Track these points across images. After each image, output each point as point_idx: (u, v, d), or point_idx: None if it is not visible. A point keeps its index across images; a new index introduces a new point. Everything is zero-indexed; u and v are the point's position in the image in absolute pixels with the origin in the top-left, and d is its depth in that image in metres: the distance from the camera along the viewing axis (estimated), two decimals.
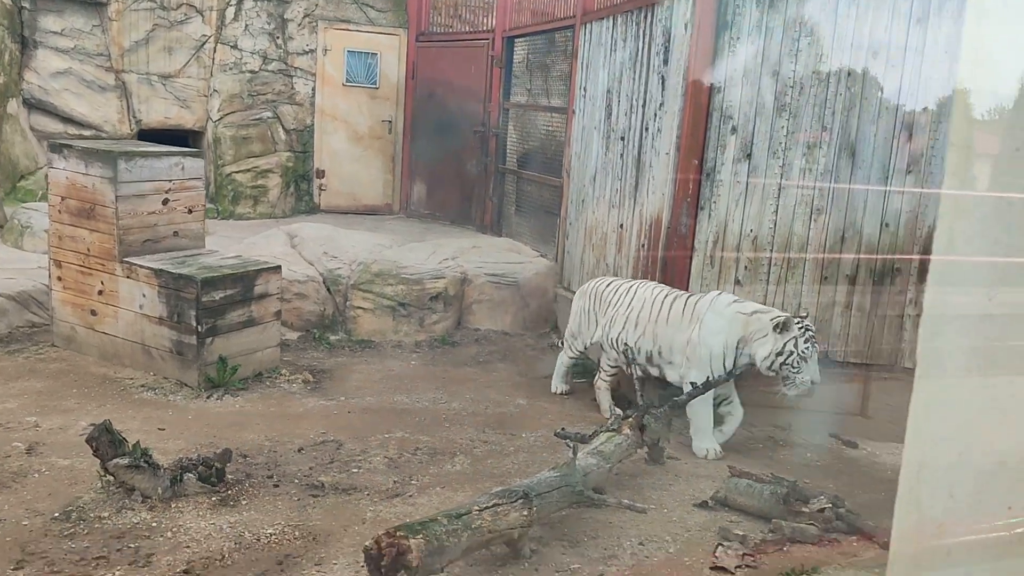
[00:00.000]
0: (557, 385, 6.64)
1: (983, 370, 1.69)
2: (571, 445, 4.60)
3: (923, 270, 5.89)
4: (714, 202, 5.88)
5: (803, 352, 5.05)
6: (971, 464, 1.63)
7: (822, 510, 4.44)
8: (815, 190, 5.79)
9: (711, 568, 4.03)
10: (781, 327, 5.08)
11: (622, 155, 6.77)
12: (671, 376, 5.58)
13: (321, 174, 10.46)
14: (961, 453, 1.66)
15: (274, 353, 6.59)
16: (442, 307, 7.81)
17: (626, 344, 5.78)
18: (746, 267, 5.91)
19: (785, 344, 5.07)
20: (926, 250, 5.86)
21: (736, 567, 4.02)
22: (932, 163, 5.74)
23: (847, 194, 5.78)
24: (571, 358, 6.52)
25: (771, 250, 5.85)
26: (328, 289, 7.68)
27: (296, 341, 7.35)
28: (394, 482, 4.84)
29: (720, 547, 4.18)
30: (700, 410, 5.38)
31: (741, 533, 4.28)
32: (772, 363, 5.13)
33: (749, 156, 5.80)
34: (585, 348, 6.36)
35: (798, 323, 5.06)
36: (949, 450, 1.63)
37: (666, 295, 5.67)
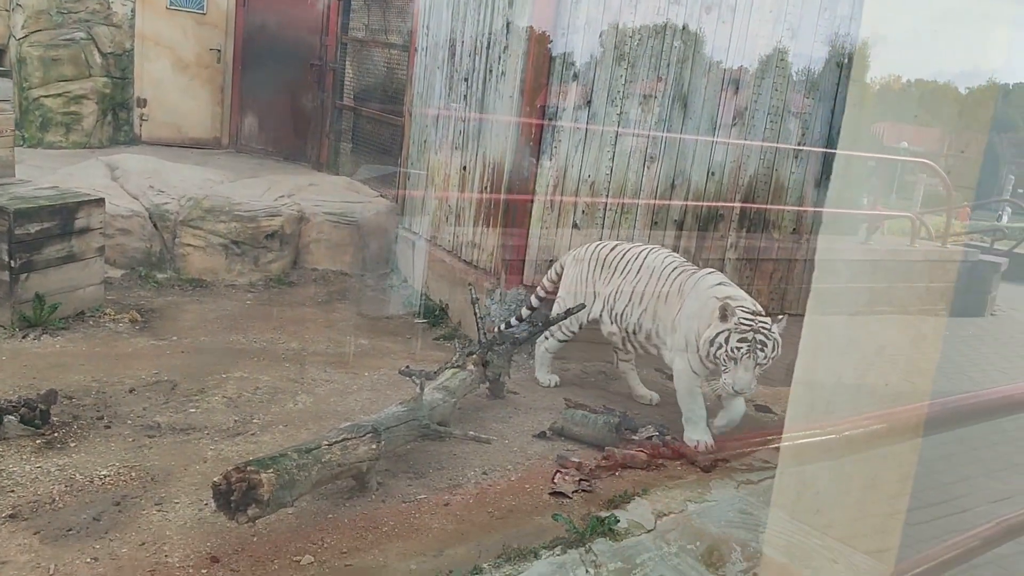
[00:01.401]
0: (545, 377, 5.78)
1: (859, 308, 1.94)
2: (417, 381, 4.68)
3: (743, 217, 6.35)
4: (555, 147, 6.04)
5: (732, 350, 4.51)
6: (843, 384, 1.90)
7: (650, 437, 4.79)
8: (649, 139, 6.08)
9: (550, 493, 4.27)
10: (721, 314, 4.59)
11: (465, 97, 6.80)
12: (666, 358, 5.15)
13: (142, 103, 9.81)
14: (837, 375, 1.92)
15: (97, 291, 6.22)
16: (278, 246, 7.61)
17: (628, 321, 5.31)
18: (583, 211, 6.15)
19: (718, 334, 4.59)
20: (746, 198, 6.32)
21: (573, 491, 4.28)
22: (755, 117, 6.16)
23: (678, 144, 6.11)
24: (562, 341, 5.71)
25: (607, 195, 6.11)
26: (155, 225, 7.30)
27: (120, 279, 6.97)
28: (235, 421, 4.75)
29: (558, 473, 4.42)
30: (689, 401, 4.91)
31: (577, 460, 4.55)
32: (706, 350, 4.66)
33: (589, 103, 5.99)
34: (581, 327, 5.61)
35: (741, 318, 4.52)
36: (828, 373, 1.88)
37: (674, 268, 5.16)
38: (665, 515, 4.00)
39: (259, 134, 10.25)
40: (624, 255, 5.38)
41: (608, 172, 6.08)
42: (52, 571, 3.29)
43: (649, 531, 3.85)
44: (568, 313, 5.68)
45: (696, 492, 4.27)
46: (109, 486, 3.93)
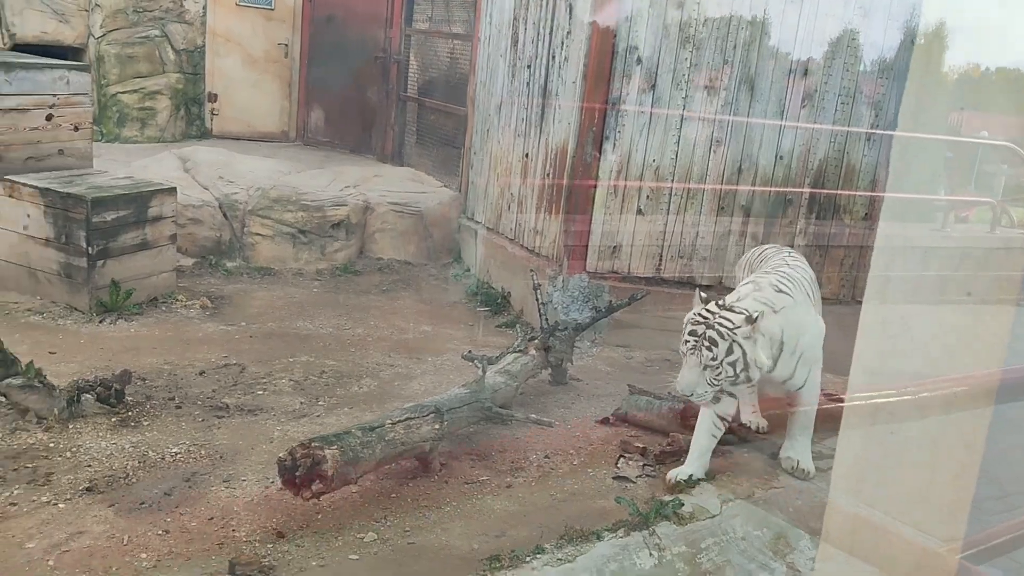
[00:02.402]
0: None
1: (919, 297, 1.89)
2: (479, 365, 4.68)
3: (812, 202, 6.19)
4: (619, 132, 5.98)
5: (682, 345, 3.88)
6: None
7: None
8: (715, 123, 5.97)
9: (613, 478, 4.23)
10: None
11: (528, 84, 6.78)
12: None
13: (213, 98, 10.04)
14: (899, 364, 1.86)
15: (170, 278, 6.39)
16: (344, 235, 7.71)
17: None
18: (648, 197, 6.07)
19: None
20: (816, 183, 6.16)
21: (637, 476, 4.23)
22: (825, 99, 6.00)
23: (745, 127, 5.99)
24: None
25: (672, 180, 6.02)
26: (224, 215, 7.46)
27: (192, 267, 7.14)
28: (300, 403, 4.83)
29: (621, 458, 4.38)
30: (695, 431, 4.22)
31: (641, 446, 4.49)
32: None
33: (654, 87, 5.91)
34: None
35: (698, 311, 3.87)
36: (889, 362, 1.82)
37: (767, 266, 4.47)
38: (731, 501, 3.92)
39: (325, 127, 10.39)
40: (758, 257, 4.77)
41: (673, 157, 5.99)
42: (126, 542, 3.39)
43: (714, 516, 3.78)
44: (631, 300, 5.63)
45: (763, 479, 4.18)
46: (180, 463, 4.03)
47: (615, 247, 6.14)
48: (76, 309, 5.81)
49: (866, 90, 6.12)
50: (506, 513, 3.85)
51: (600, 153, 6.01)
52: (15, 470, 3.81)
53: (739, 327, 3.74)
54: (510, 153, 7.10)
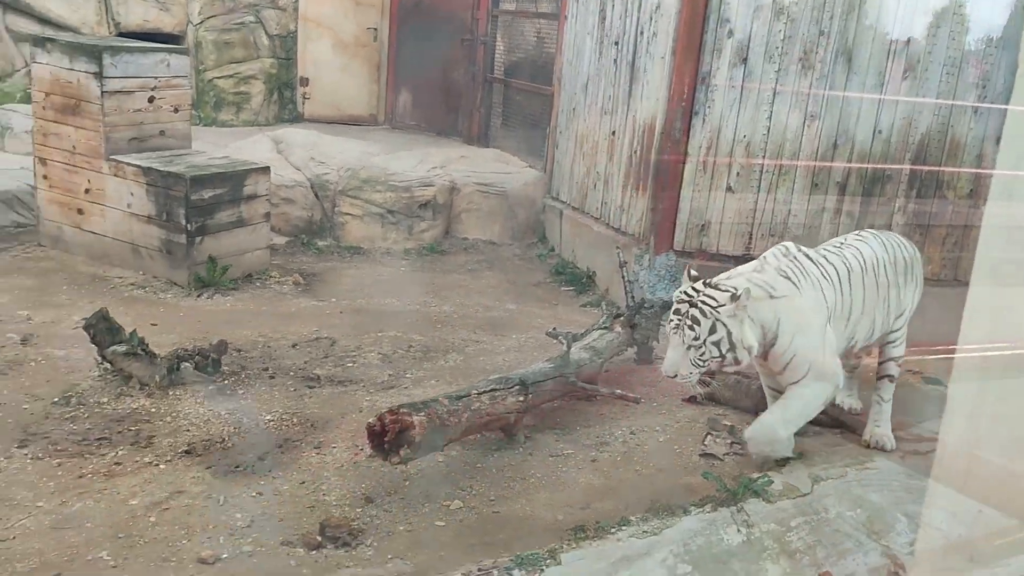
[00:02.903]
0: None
1: None
2: (563, 341, 4.67)
3: (913, 178, 5.94)
4: (708, 107, 5.85)
5: (667, 324, 3.82)
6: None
7: None
8: (810, 96, 5.78)
9: (700, 455, 4.16)
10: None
11: (616, 61, 6.70)
12: None
13: (305, 82, 10.26)
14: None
15: (264, 255, 6.57)
16: (431, 215, 7.79)
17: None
18: (738, 173, 5.93)
19: None
20: (917, 159, 5.90)
21: (724, 454, 4.15)
22: (928, 70, 5.73)
23: (841, 101, 5.78)
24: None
25: (764, 156, 5.87)
26: (316, 195, 7.63)
27: (284, 246, 7.32)
28: (388, 375, 4.91)
29: (709, 436, 4.31)
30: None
31: (729, 424, 4.41)
32: None
33: (745, 60, 5.76)
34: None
35: (684, 289, 3.76)
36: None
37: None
38: (823, 480, 3.81)
39: (413, 110, 10.50)
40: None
41: (765, 132, 5.83)
42: (222, 502, 3.51)
43: (805, 495, 3.68)
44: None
45: (857, 460, 4.05)
46: (273, 430, 4.15)
47: (703, 225, 6.03)
48: (176, 284, 6.04)
49: (973, 60, 5.82)
50: (590, 486, 3.83)
51: (689, 129, 5.90)
52: (120, 432, 3.99)
53: (723, 304, 3.60)
54: (596, 131, 7.04)
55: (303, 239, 7.48)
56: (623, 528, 3.29)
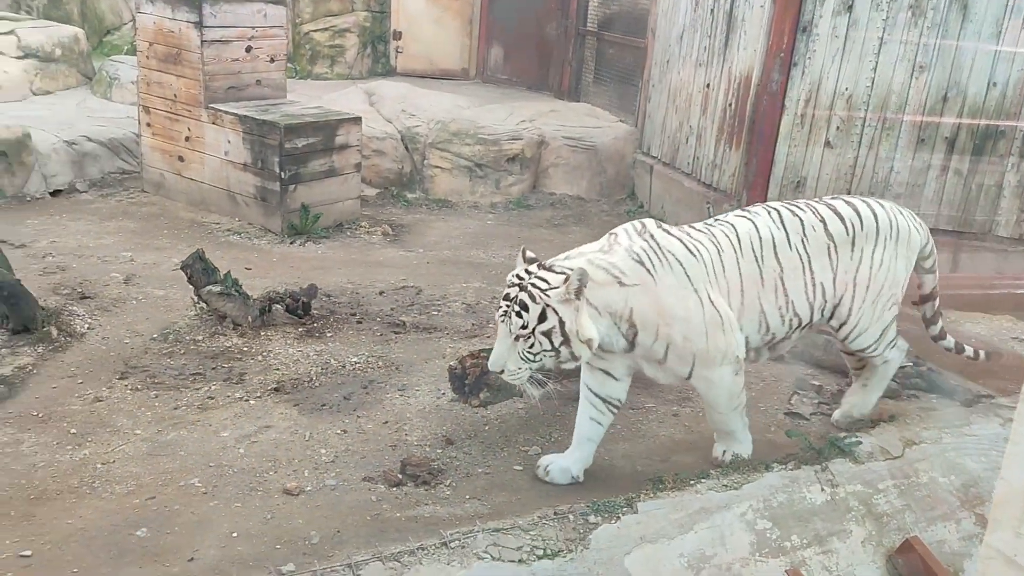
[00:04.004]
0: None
1: None
2: None
3: None
4: (809, 58, 5.62)
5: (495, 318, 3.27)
6: None
7: (903, 367, 4.39)
8: (919, 46, 5.48)
9: (785, 414, 4.07)
10: None
11: (712, 11, 6.48)
12: None
13: (398, 35, 10.31)
14: None
15: (354, 205, 6.68)
16: (518, 169, 7.76)
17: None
18: (838, 127, 5.69)
19: None
20: None
21: (811, 413, 4.04)
22: None
23: (954, 51, 5.46)
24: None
25: (866, 110, 5.61)
26: (406, 147, 7.68)
27: (374, 197, 7.42)
28: (472, 324, 4.94)
29: (796, 395, 4.20)
30: None
31: (817, 384, 4.29)
32: None
33: (850, 8, 5.49)
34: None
35: (518, 271, 3.24)
36: None
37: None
38: (915, 444, 3.67)
39: (504, 64, 10.44)
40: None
41: (869, 84, 5.57)
42: (308, 437, 3.61)
43: (896, 458, 3.56)
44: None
45: (953, 425, 3.88)
46: (358, 371, 4.23)
47: (799, 181, 5.82)
48: (269, 230, 6.20)
49: None
50: (671, 440, 3.79)
51: (787, 81, 5.69)
52: (213, 368, 4.14)
53: (554, 288, 3.05)
54: (690, 84, 6.85)
55: (393, 191, 7.56)
56: (702, 481, 3.24)
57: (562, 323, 3.05)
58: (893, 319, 3.70)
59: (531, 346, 3.09)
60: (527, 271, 3.16)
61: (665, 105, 7.34)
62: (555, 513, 3.00)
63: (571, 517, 2.99)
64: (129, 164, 7.17)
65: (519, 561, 2.78)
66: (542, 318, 3.06)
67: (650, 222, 3.38)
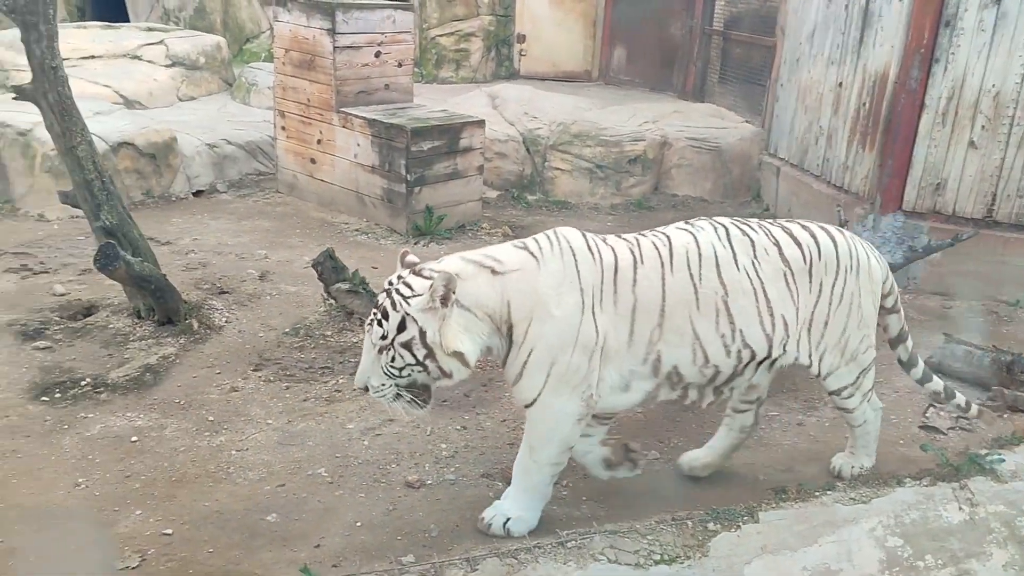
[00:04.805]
0: None
1: None
2: None
3: None
4: (952, 53, 5.33)
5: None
6: None
7: None
8: None
9: (920, 427, 3.88)
10: None
11: (847, 6, 6.24)
12: None
13: (522, 39, 10.40)
14: None
15: (476, 207, 6.78)
16: (640, 170, 7.69)
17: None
18: (983, 127, 5.37)
19: None
20: None
21: (949, 428, 3.84)
22: None
23: None
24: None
25: (1015, 108, 5.27)
26: (527, 149, 7.74)
27: (495, 199, 7.51)
28: None
29: (931, 408, 3.99)
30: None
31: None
32: None
33: (998, 1, 5.18)
34: None
35: (384, 287, 2.93)
36: None
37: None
38: None
39: (627, 65, 10.37)
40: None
41: (1018, 81, 5.23)
42: (429, 432, 3.69)
43: None
44: (954, 241, 5.08)
45: None
46: (478, 370, 4.26)
47: (938, 184, 5.54)
48: (395, 231, 6.37)
49: None
50: (795, 449, 3.68)
51: (928, 78, 5.41)
52: (341, 363, 4.29)
53: (416, 295, 2.76)
54: (821, 83, 6.62)
55: (513, 193, 7.63)
56: (828, 493, 3.13)
57: (423, 334, 2.74)
58: (870, 365, 3.27)
59: (392, 360, 2.79)
60: (398, 276, 2.88)
61: (794, 105, 7.12)
62: (673, 519, 2.96)
63: (690, 523, 2.94)
64: (265, 166, 7.52)
65: (636, 565, 2.76)
66: (401, 328, 2.76)
67: (568, 230, 2.98)
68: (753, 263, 3.00)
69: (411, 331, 2.75)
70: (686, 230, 3.07)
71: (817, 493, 3.13)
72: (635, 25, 10.11)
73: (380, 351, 2.81)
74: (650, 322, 2.89)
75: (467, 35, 10.15)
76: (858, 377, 3.25)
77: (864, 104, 5.98)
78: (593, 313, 2.82)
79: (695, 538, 2.91)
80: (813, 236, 3.11)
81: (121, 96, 7.87)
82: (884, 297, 3.32)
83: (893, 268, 5.06)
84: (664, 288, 2.90)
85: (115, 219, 4.38)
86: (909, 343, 3.49)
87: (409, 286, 2.80)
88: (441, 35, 10.09)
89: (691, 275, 2.93)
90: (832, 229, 3.21)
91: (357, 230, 6.45)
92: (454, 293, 2.73)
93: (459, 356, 2.77)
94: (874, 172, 5.79)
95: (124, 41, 8.71)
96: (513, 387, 2.91)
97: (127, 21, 10.08)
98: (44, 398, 3.83)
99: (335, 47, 6.40)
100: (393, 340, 2.77)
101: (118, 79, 8.05)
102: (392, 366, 2.80)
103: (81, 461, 3.38)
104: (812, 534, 2.93)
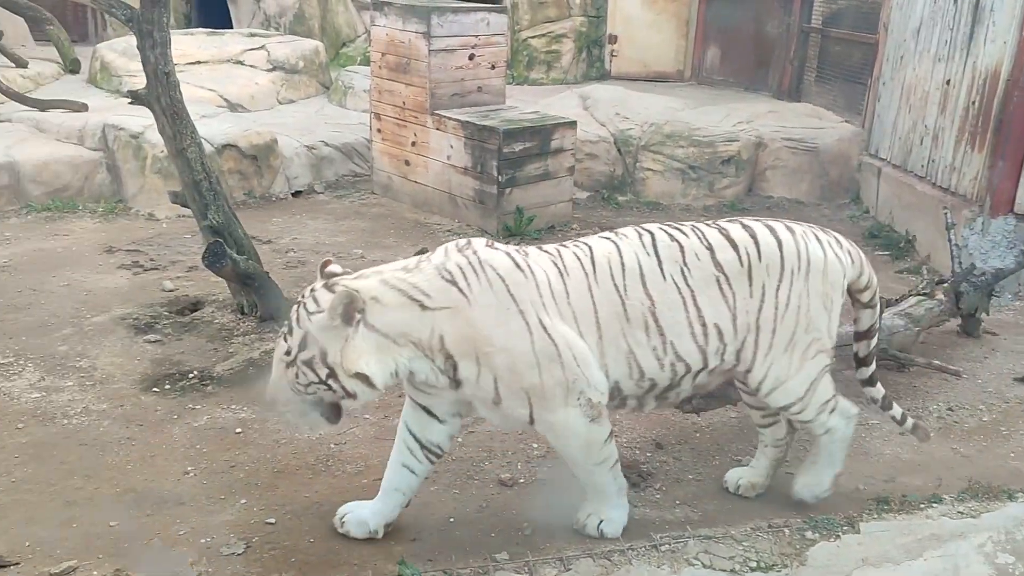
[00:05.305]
0: None
1: None
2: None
3: None
4: None
5: None
6: None
7: None
8: None
9: None
10: None
11: (956, 1, 6.01)
12: None
13: (613, 39, 10.36)
14: None
15: (566, 208, 6.79)
16: (733, 171, 7.57)
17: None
18: None
19: None
20: None
21: None
22: None
23: None
24: None
25: None
26: (618, 150, 7.71)
27: (585, 200, 7.50)
28: None
29: None
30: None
31: None
32: None
33: None
34: None
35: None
36: None
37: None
38: None
39: (720, 65, 10.21)
40: None
41: None
42: (520, 432, 3.71)
43: None
44: None
45: None
46: None
47: None
48: (486, 232, 6.43)
49: None
50: (898, 460, 3.57)
51: None
52: None
53: (320, 311, 2.67)
54: (927, 81, 6.39)
55: (603, 194, 7.61)
56: (934, 506, 3.03)
57: (323, 353, 2.67)
58: (822, 373, 3.02)
59: (297, 376, 2.71)
60: (311, 289, 2.78)
61: (897, 104, 6.89)
62: (770, 526, 2.92)
63: (787, 531, 2.90)
64: (360, 168, 7.69)
65: (731, 571, 2.73)
66: (303, 345, 2.69)
67: (477, 239, 2.91)
68: (682, 271, 2.86)
69: (312, 350, 2.69)
70: (609, 239, 2.94)
71: (922, 505, 3.03)
72: (729, 24, 9.95)
73: (287, 367, 2.75)
74: (591, 336, 2.79)
75: (558, 36, 10.17)
76: (807, 391, 2.99)
77: (973, 102, 5.75)
78: (543, 326, 2.73)
79: (792, 546, 2.86)
80: (753, 236, 2.93)
81: (225, 99, 8.17)
82: (859, 292, 3.14)
83: (1004, 274, 4.88)
84: (593, 299, 2.80)
85: (222, 218, 4.56)
86: (873, 341, 3.26)
87: (316, 301, 2.72)
88: (532, 37, 10.14)
89: (616, 287, 2.82)
90: (780, 227, 3.00)
91: (449, 231, 6.53)
92: (359, 313, 2.66)
93: (363, 378, 2.69)
94: (984, 173, 5.56)
95: (228, 47, 9.03)
96: (496, 412, 2.82)
97: (231, 28, 10.45)
98: (155, 389, 4.02)
99: (430, 50, 6.50)
100: (296, 357, 2.72)
101: (222, 83, 8.36)
102: (297, 383, 2.74)
103: (189, 450, 3.54)
104: (916, 548, 2.84)
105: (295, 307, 2.76)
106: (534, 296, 2.74)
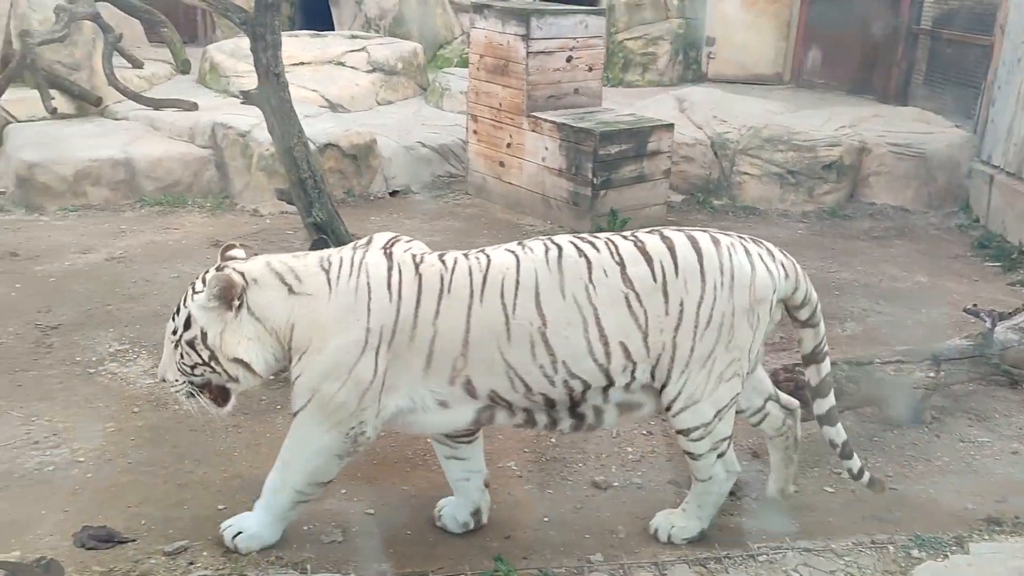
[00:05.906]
0: None
1: None
2: (986, 319, 4.18)
3: None
4: None
5: None
6: None
7: None
8: None
9: None
10: None
11: None
12: None
13: (711, 41, 10.22)
14: None
15: (660, 211, 6.74)
16: (835, 177, 7.38)
17: None
18: None
19: None
20: None
21: None
22: None
23: None
24: None
25: None
26: (715, 153, 7.60)
27: (680, 204, 7.42)
28: (780, 337, 4.74)
29: None
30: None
31: None
32: None
33: None
34: None
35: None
36: None
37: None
38: None
39: (821, 68, 9.96)
40: None
41: None
42: (614, 435, 3.72)
43: None
44: None
45: None
46: None
47: None
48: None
49: None
50: (1009, 480, 3.43)
51: None
52: None
53: (201, 292, 2.71)
54: None
55: (699, 197, 7.52)
56: None
57: (204, 334, 2.71)
58: (732, 403, 2.82)
59: (182, 356, 2.76)
60: (205, 270, 2.81)
61: (1013, 108, 6.59)
62: (873, 542, 2.85)
63: (891, 548, 2.82)
64: (455, 168, 7.79)
65: None
66: (187, 325, 2.74)
67: (380, 235, 2.86)
68: (586, 288, 2.69)
69: (193, 330, 2.73)
70: (512, 252, 2.78)
71: None
72: (833, 25, 9.69)
73: (175, 347, 2.79)
74: (451, 352, 2.69)
75: (655, 39, 10.09)
76: (714, 417, 2.80)
77: None
78: (376, 352, 2.67)
79: (896, 564, 2.78)
80: (671, 249, 2.75)
81: (326, 100, 8.40)
82: (797, 308, 2.95)
83: None
84: (469, 320, 2.68)
85: (325, 216, 4.69)
86: (824, 365, 3.00)
87: (204, 282, 2.76)
88: (628, 39, 10.09)
89: (503, 305, 2.68)
90: (704, 237, 2.81)
91: (541, 232, 6.56)
92: (238, 297, 2.68)
93: (241, 363, 2.72)
94: None
95: (330, 49, 9.28)
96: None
97: (333, 30, 10.73)
98: None
99: (528, 52, 6.54)
100: (180, 337, 2.76)
101: (324, 84, 8.59)
102: (183, 363, 2.77)
103: None
104: None
105: (189, 289, 2.82)
106: (388, 319, 2.67)
